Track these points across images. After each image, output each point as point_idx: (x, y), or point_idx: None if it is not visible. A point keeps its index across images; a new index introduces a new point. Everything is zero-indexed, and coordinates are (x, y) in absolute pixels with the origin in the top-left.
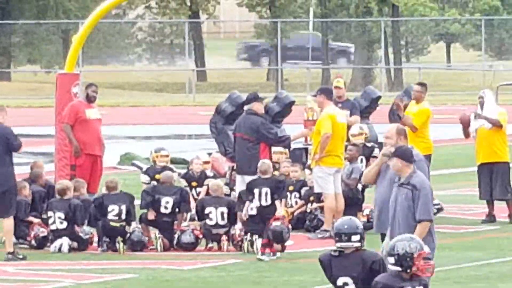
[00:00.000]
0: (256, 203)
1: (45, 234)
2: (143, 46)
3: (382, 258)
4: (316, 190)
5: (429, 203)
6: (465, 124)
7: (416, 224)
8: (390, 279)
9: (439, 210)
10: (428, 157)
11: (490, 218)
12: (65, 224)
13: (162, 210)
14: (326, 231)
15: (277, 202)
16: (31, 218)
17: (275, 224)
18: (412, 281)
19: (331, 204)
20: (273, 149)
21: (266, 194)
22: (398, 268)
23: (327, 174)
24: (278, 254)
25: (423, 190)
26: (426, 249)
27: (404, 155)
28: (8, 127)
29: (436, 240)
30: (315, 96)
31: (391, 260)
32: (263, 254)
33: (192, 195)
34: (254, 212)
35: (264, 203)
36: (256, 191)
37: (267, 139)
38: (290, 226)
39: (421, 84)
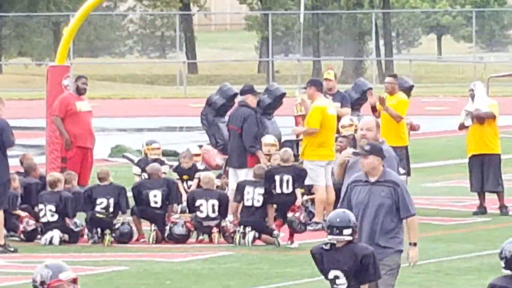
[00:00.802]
0: (277, 190)
1: (33, 227)
2: (134, 38)
3: (373, 252)
4: (307, 182)
5: (411, 198)
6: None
7: (397, 221)
8: (505, 282)
9: None
10: (406, 148)
11: (481, 210)
12: (56, 217)
13: (152, 204)
14: (317, 223)
15: (297, 191)
16: (18, 212)
17: (289, 215)
18: None
19: (322, 196)
20: (264, 141)
21: (287, 181)
22: (509, 272)
23: (318, 167)
24: (296, 244)
25: (402, 186)
26: None
27: (380, 152)
28: (4, 121)
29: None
30: (305, 88)
31: (502, 263)
32: (292, 242)
33: (184, 188)
34: (249, 203)
35: (285, 191)
36: (277, 178)
37: (244, 134)
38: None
39: (393, 76)
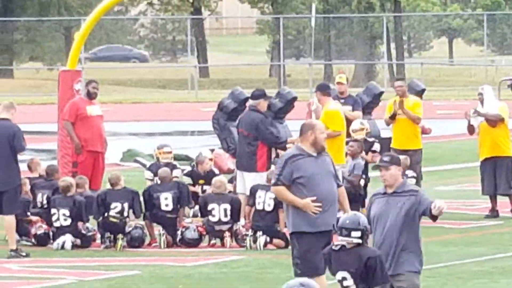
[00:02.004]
0: None
1: (44, 231)
2: (145, 43)
3: (380, 255)
4: None
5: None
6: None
7: (418, 234)
8: None
9: None
10: (421, 151)
11: (493, 213)
12: (69, 221)
13: (163, 207)
14: None
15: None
16: (30, 217)
17: None
18: None
19: None
20: None
21: None
22: None
23: None
24: None
25: (420, 190)
26: None
27: (400, 161)
28: (16, 126)
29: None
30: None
31: None
32: None
33: (198, 193)
34: (260, 207)
35: None
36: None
37: (265, 138)
38: None
39: (402, 79)
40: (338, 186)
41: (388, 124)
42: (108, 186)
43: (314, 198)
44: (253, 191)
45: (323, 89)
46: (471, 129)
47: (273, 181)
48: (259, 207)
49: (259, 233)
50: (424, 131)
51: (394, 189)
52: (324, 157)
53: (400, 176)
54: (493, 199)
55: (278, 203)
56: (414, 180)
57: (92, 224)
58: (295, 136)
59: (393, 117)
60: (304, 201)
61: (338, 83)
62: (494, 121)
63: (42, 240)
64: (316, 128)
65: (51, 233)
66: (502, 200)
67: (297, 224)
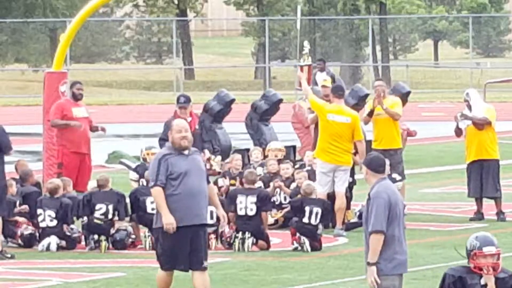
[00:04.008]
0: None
1: (30, 231)
2: (130, 44)
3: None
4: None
5: (380, 214)
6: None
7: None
8: None
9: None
10: (401, 150)
11: (479, 215)
12: (55, 222)
13: (149, 210)
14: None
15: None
16: (16, 218)
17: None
18: None
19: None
20: (271, 146)
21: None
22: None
23: (320, 172)
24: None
25: (375, 200)
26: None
27: (369, 163)
28: (0, 126)
29: (403, 255)
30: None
31: None
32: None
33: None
34: (242, 212)
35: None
36: (307, 209)
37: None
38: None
39: (381, 79)
40: (208, 183)
41: (365, 123)
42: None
43: (174, 224)
44: (232, 196)
45: (337, 91)
46: (458, 132)
47: (151, 183)
48: (241, 212)
49: (247, 234)
50: (409, 134)
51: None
52: (194, 155)
53: (370, 178)
54: (479, 202)
55: (260, 206)
56: (401, 184)
57: (77, 225)
58: (280, 139)
59: (370, 114)
60: (169, 220)
61: (323, 86)
62: (482, 125)
63: (28, 241)
64: (172, 129)
65: (37, 235)
66: (487, 203)
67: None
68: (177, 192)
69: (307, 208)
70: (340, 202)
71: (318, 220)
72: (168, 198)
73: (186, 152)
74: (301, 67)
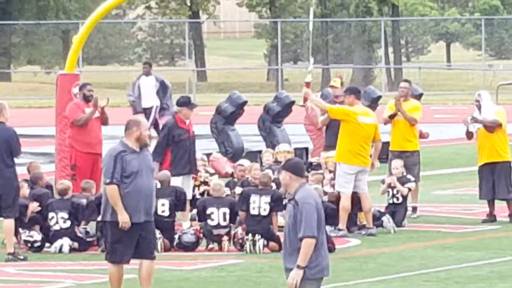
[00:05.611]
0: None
1: (39, 244)
2: (143, 46)
3: None
4: (336, 188)
5: (311, 219)
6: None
7: (300, 243)
8: None
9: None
10: (418, 153)
11: (491, 217)
12: (68, 223)
13: (159, 212)
14: (340, 229)
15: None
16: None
17: None
18: None
19: (346, 203)
20: (280, 149)
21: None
22: None
23: (347, 173)
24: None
25: (304, 206)
26: None
27: (293, 168)
28: (11, 128)
29: (326, 259)
30: (344, 95)
31: None
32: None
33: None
34: (256, 212)
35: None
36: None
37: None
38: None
39: (407, 81)
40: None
41: (385, 123)
42: None
43: (130, 223)
44: (246, 195)
45: (358, 93)
46: (469, 135)
47: (107, 180)
48: (254, 212)
49: (257, 236)
50: (422, 136)
51: (289, 196)
52: (145, 152)
53: (292, 182)
54: (491, 204)
55: (273, 207)
56: (413, 184)
57: (91, 228)
58: (293, 140)
59: (392, 116)
60: (126, 219)
61: (332, 86)
62: (492, 127)
63: (38, 250)
64: (141, 125)
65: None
66: (499, 205)
67: (115, 214)
68: (128, 190)
69: None
70: (368, 202)
71: None
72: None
73: (138, 149)
74: (307, 83)
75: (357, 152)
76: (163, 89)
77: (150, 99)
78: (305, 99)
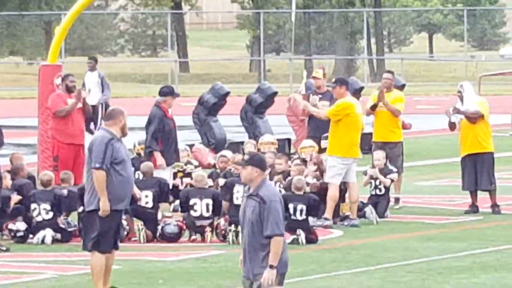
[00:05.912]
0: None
1: (22, 234)
2: (125, 37)
3: None
4: (326, 179)
5: (279, 217)
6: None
7: (266, 240)
8: None
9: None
10: (401, 144)
11: (473, 208)
12: (51, 215)
13: (143, 203)
14: (327, 219)
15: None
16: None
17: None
18: None
19: (335, 194)
20: (263, 139)
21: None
22: None
23: (340, 164)
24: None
25: (272, 204)
26: None
27: (260, 163)
28: None
29: (285, 253)
30: (333, 86)
31: None
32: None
33: (178, 186)
34: (239, 201)
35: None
36: (290, 206)
37: (147, 134)
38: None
39: (391, 72)
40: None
41: (367, 115)
42: None
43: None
44: (229, 185)
45: (344, 83)
46: (452, 126)
47: (97, 165)
48: (237, 202)
49: (240, 227)
50: (404, 127)
51: (251, 191)
52: (122, 140)
53: (256, 178)
54: (474, 195)
55: None
56: (396, 175)
57: (72, 219)
58: (275, 131)
59: (373, 107)
60: (107, 207)
61: (315, 77)
62: (474, 118)
63: (21, 240)
64: (125, 114)
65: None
66: (482, 196)
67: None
68: (120, 177)
69: (290, 206)
70: (355, 192)
71: (303, 216)
72: (109, 182)
73: (120, 138)
74: (303, 95)
75: (354, 143)
76: (103, 86)
77: (95, 96)
78: (304, 112)
